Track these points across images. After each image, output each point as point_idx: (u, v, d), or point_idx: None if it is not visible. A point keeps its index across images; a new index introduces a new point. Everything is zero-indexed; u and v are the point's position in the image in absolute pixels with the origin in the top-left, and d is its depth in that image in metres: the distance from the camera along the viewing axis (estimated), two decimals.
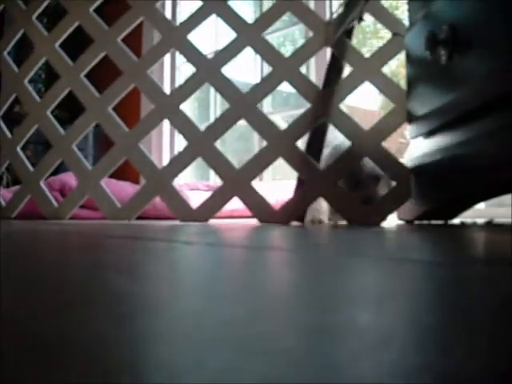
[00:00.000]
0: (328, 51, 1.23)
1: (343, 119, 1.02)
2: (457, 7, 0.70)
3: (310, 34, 1.11)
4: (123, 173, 1.58)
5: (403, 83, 0.97)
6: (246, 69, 2.45)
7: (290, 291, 0.24)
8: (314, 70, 1.98)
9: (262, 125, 1.08)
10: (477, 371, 0.12)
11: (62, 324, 0.17)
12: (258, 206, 1.04)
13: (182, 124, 1.13)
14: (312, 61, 1.86)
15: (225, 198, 1.06)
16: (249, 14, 2.61)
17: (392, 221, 1.04)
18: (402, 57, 1.00)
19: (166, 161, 2.37)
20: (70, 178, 1.36)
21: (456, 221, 1.02)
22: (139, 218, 1.15)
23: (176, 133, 2.32)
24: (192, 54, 1.15)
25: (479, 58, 0.65)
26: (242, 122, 1.12)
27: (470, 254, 0.42)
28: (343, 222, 1.03)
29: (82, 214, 1.26)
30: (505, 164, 0.64)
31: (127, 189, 1.39)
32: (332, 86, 1.04)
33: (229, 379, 0.11)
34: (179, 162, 1.12)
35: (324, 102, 1.04)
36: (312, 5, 1.96)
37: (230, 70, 1.13)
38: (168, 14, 2.49)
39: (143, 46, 2.48)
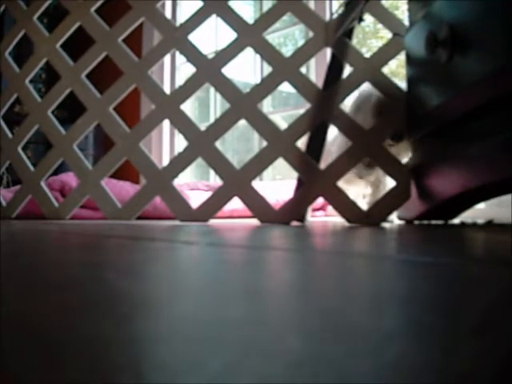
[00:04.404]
0: (328, 51, 1.22)
1: (343, 119, 1.02)
2: (457, 7, 0.70)
3: (311, 34, 1.11)
4: (123, 173, 1.59)
5: (403, 83, 0.97)
6: (246, 69, 2.45)
7: (291, 291, 0.24)
8: (314, 70, 1.98)
9: (262, 125, 1.08)
10: (477, 371, 0.12)
11: (61, 324, 0.17)
12: (258, 206, 1.04)
13: (182, 124, 1.13)
14: (312, 61, 1.86)
15: (225, 198, 1.06)
16: (249, 14, 2.61)
17: (392, 221, 1.04)
18: (402, 57, 1.00)
19: (166, 161, 2.38)
20: (70, 178, 1.36)
21: (456, 221, 1.01)
22: (139, 218, 1.15)
23: (176, 133, 2.32)
24: (192, 54, 1.15)
25: (479, 58, 0.65)
26: (242, 122, 1.12)
27: (469, 254, 0.42)
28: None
29: (82, 214, 1.26)
30: (505, 164, 0.64)
31: (127, 189, 1.39)
32: (332, 86, 1.04)
33: (229, 379, 0.11)
34: (179, 162, 1.12)
35: (324, 102, 1.04)
36: (312, 5, 1.96)
37: (230, 70, 1.13)
38: (168, 15, 2.50)
39: (143, 46, 2.48)
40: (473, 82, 0.66)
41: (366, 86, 1.05)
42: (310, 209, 1.06)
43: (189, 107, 2.62)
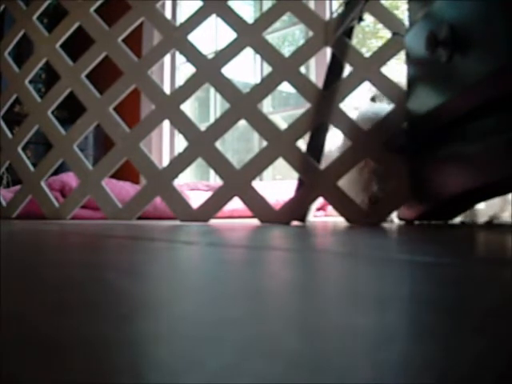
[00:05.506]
0: (328, 51, 1.22)
1: (343, 119, 1.02)
2: (457, 7, 0.70)
3: (310, 34, 1.11)
4: (123, 173, 1.59)
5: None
6: (246, 69, 2.45)
7: (291, 291, 0.24)
8: (314, 70, 1.98)
9: (262, 125, 1.08)
10: (477, 371, 0.12)
11: (61, 324, 0.17)
12: (258, 206, 1.04)
13: (182, 124, 1.13)
14: (312, 61, 1.86)
15: (225, 198, 1.06)
16: (249, 14, 2.61)
17: (392, 221, 1.04)
18: (402, 57, 1.00)
19: (166, 161, 2.38)
20: (70, 179, 1.35)
21: (456, 221, 1.01)
22: (139, 218, 1.15)
23: (176, 133, 2.32)
24: (192, 54, 1.15)
25: (479, 58, 0.65)
26: (242, 122, 1.12)
27: (470, 254, 0.42)
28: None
29: (82, 214, 1.26)
30: (505, 164, 0.64)
31: (127, 189, 1.39)
32: (332, 86, 1.04)
33: (229, 379, 0.11)
34: (179, 162, 1.12)
35: (324, 102, 1.04)
36: (312, 5, 1.96)
37: (230, 70, 1.13)
38: (168, 15, 2.50)
39: (143, 46, 2.48)
40: (473, 81, 0.66)
41: (366, 109, 1.06)
42: (312, 209, 1.06)
43: (189, 107, 2.62)
